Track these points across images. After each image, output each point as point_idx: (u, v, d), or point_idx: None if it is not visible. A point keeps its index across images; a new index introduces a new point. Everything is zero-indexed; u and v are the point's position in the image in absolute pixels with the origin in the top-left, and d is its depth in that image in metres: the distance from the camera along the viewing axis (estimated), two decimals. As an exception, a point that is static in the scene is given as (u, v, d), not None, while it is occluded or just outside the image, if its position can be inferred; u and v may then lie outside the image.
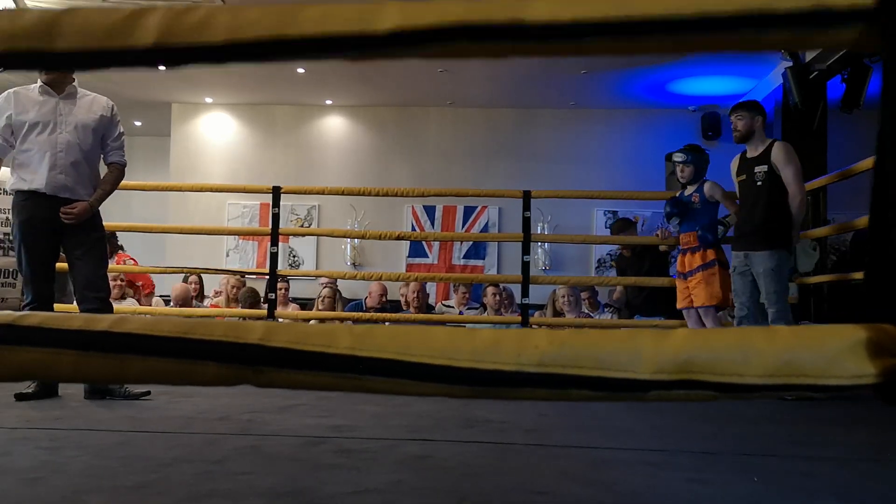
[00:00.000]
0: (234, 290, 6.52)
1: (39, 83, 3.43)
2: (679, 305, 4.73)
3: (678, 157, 4.71)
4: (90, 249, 3.44)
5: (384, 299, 6.80)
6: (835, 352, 0.64)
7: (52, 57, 0.81)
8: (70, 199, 3.38)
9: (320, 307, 6.51)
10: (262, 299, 6.41)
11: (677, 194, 4.89)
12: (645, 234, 7.52)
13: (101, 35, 0.78)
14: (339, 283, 6.92)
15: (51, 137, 3.37)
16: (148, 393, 3.38)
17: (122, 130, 3.64)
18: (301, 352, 0.73)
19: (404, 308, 6.90)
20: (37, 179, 3.34)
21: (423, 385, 0.71)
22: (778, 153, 4.06)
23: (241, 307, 6.39)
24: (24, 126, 3.37)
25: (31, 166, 3.36)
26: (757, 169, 4.11)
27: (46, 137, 3.36)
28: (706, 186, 4.65)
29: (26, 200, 3.37)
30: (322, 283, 6.86)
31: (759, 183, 4.10)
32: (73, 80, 3.50)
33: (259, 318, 5.61)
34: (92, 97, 3.54)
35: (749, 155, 4.21)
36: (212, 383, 0.77)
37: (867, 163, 4.40)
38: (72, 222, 3.36)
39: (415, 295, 6.57)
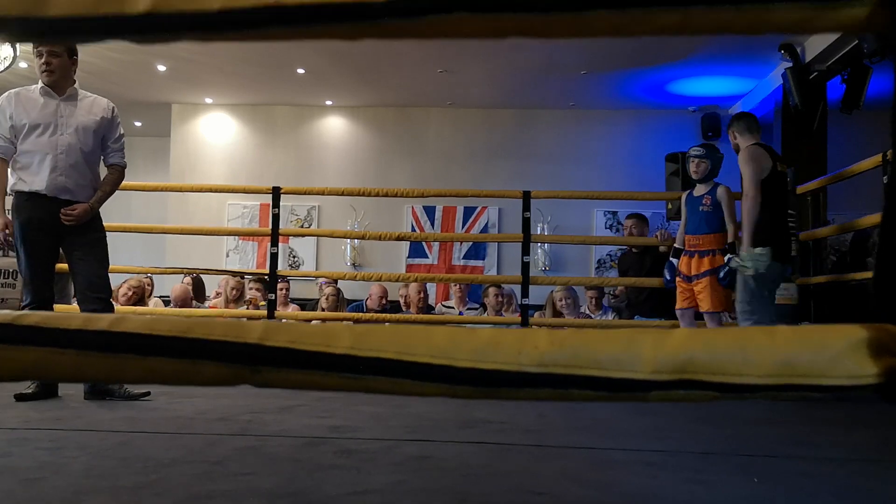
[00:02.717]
0: (234, 291, 6.51)
1: (40, 84, 3.43)
2: (678, 306, 4.70)
3: (696, 152, 4.63)
4: (90, 250, 3.44)
5: (385, 301, 6.80)
6: (835, 351, 0.64)
7: (43, 24, 0.80)
8: (70, 201, 3.38)
9: (324, 305, 6.49)
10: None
11: (685, 194, 4.82)
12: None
13: (92, 1, 0.77)
14: (339, 283, 6.92)
15: (52, 139, 3.37)
16: (148, 394, 3.38)
17: (122, 132, 3.64)
18: (300, 351, 0.73)
19: (404, 309, 6.90)
20: (37, 181, 3.34)
21: (424, 385, 0.70)
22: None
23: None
24: (25, 127, 3.37)
25: (31, 168, 3.36)
26: None
27: (47, 139, 3.37)
28: (720, 190, 4.58)
29: (27, 201, 3.37)
30: (324, 283, 6.85)
31: None
32: (74, 81, 3.50)
33: (258, 318, 5.61)
34: (92, 99, 3.54)
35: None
36: (211, 383, 0.77)
37: (867, 163, 4.40)
38: (72, 224, 3.36)
39: (419, 296, 6.56)
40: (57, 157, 3.36)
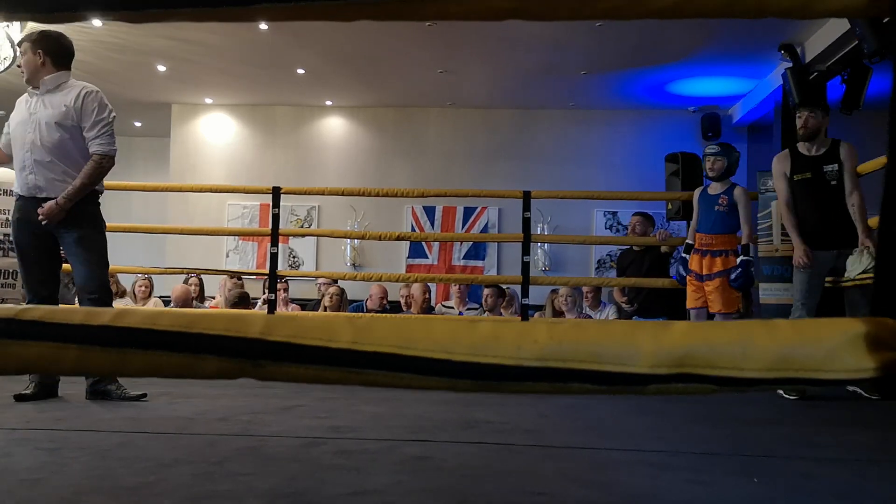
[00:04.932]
0: (232, 291, 6.51)
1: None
2: (689, 305, 4.67)
3: (713, 150, 4.60)
4: (74, 249, 3.34)
5: (385, 301, 6.79)
6: (833, 345, 0.64)
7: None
8: (49, 199, 3.28)
9: (327, 304, 6.48)
10: (249, 300, 6.44)
11: (698, 191, 4.76)
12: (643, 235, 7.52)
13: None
14: (339, 283, 6.91)
15: (24, 137, 3.33)
16: (144, 395, 3.34)
17: (101, 117, 3.33)
18: (301, 346, 0.73)
19: (405, 309, 6.90)
20: (17, 181, 3.39)
21: (424, 379, 0.71)
22: (845, 151, 3.93)
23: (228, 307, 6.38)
24: (11, 128, 3.43)
25: (16, 169, 3.41)
26: (827, 168, 3.92)
27: (21, 138, 3.35)
28: (737, 191, 4.55)
29: (17, 202, 3.42)
30: (325, 283, 6.83)
31: (833, 182, 3.90)
32: (53, 72, 3.35)
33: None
34: (66, 90, 3.34)
35: (814, 153, 3.98)
36: (212, 377, 0.77)
37: (867, 165, 4.39)
38: (45, 222, 3.29)
39: (424, 296, 6.54)
40: (24, 156, 3.32)
